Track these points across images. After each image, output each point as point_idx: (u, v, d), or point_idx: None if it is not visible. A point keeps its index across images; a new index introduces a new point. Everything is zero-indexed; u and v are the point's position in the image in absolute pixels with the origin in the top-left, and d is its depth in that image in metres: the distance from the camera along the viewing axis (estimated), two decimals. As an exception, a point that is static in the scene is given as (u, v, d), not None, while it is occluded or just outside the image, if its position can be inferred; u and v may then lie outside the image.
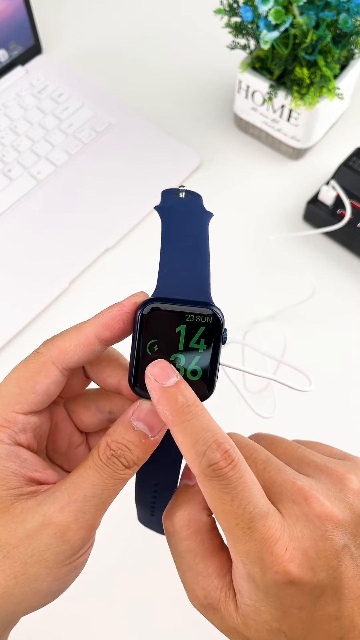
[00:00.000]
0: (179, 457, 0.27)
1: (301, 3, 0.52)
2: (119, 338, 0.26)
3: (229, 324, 0.57)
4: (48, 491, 0.25)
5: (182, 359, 0.25)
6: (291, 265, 0.59)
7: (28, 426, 0.26)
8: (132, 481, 0.28)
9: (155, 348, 0.25)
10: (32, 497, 0.25)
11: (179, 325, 0.24)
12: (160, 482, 0.28)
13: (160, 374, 0.24)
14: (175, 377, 0.24)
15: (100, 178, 0.65)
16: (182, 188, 0.28)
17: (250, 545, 0.22)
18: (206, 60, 0.74)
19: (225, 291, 0.59)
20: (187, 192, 0.28)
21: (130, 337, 0.26)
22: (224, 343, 0.25)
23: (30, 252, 0.60)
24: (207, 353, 0.25)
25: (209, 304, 0.25)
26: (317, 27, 0.54)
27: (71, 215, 0.62)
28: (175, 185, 0.64)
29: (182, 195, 0.28)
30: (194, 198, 0.28)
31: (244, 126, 0.68)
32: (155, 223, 0.63)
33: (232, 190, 0.65)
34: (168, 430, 0.25)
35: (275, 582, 0.22)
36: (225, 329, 0.25)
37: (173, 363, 0.25)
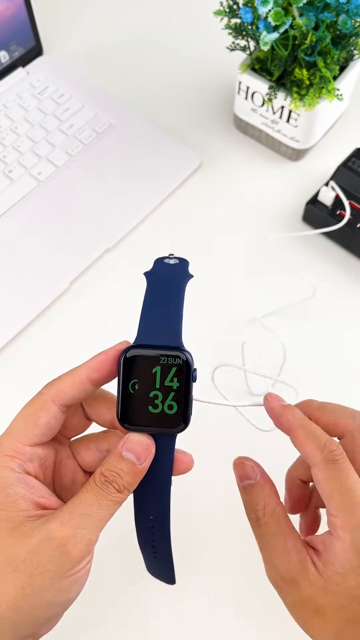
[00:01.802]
0: (166, 488, 0.30)
1: (301, 4, 0.52)
2: (107, 379, 0.31)
3: (229, 324, 0.57)
4: (53, 513, 0.28)
5: (159, 396, 0.29)
6: (290, 266, 0.59)
7: (34, 457, 0.31)
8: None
9: (136, 387, 0.29)
10: (39, 519, 0.28)
11: (154, 366, 0.29)
12: (154, 514, 0.31)
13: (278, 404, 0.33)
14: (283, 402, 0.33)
15: (100, 179, 0.65)
16: (171, 255, 0.33)
17: None
18: (206, 61, 0.75)
19: (225, 290, 0.59)
20: (176, 259, 0.33)
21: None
22: (194, 381, 0.29)
23: (30, 252, 0.60)
24: (180, 390, 0.29)
25: (179, 348, 0.29)
26: (316, 28, 0.54)
27: (71, 215, 0.62)
28: (174, 187, 0.65)
29: (171, 261, 0.33)
30: (181, 263, 0.33)
31: (243, 127, 0.68)
32: (155, 223, 0.64)
33: (232, 190, 0.65)
34: (153, 463, 0.29)
35: None
36: (194, 369, 0.29)
37: (152, 400, 0.29)
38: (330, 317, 0.58)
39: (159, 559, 0.33)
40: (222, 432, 0.51)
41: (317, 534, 0.38)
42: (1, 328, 0.56)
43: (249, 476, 0.32)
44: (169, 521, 0.31)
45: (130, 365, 0.29)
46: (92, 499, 0.28)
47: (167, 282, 0.31)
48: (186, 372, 0.29)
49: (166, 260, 0.33)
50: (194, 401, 0.30)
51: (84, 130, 0.68)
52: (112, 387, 0.32)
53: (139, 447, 0.29)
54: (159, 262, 0.33)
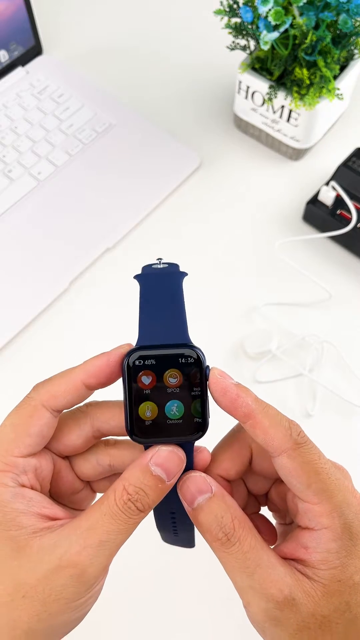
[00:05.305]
0: None
1: (301, 4, 0.52)
2: (105, 385, 0.28)
3: (229, 323, 0.57)
4: (63, 531, 0.26)
5: (172, 400, 0.27)
6: (293, 265, 0.59)
7: (28, 467, 0.28)
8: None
9: (145, 394, 0.27)
10: (47, 533, 0.26)
11: (163, 368, 0.27)
12: (177, 511, 0.29)
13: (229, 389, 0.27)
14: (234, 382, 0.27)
15: (100, 178, 0.65)
16: (159, 260, 0.31)
17: (346, 494, 0.26)
18: (206, 60, 0.75)
19: (226, 289, 0.59)
20: (164, 263, 0.31)
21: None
22: (207, 380, 0.27)
23: (30, 252, 0.60)
24: (195, 391, 0.27)
25: (187, 344, 0.27)
26: (316, 27, 0.54)
27: (71, 215, 0.62)
28: (174, 187, 0.64)
29: (160, 266, 0.30)
30: (170, 266, 0.30)
31: (243, 127, 0.68)
32: (156, 222, 0.63)
33: (232, 190, 0.65)
34: None
35: None
36: (207, 366, 0.27)
37: (163, 405, 0.27)
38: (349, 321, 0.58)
39: (180, 536, 0.31)
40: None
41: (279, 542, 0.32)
42: (1, 327, 0.56)
43: (202, 490, 0.27)
44: None
45: (135, 370, 0.27)
46: (110, 525, 0.25)
47: (162, 279, 0.29)
48: (199, 371, 0.27)
49: (155, 266, 0.30)
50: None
51: (83, 129, 0.68)
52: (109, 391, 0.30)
53: (170, 462, 0.26)
54: (148, 267, 0.31)
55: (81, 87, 0.71)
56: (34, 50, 0.74)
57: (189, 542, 0.32)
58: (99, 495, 0.32)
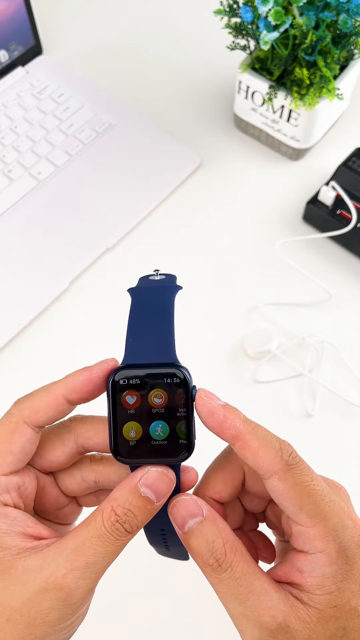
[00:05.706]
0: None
1: (301, 4, 0.52)
2: (87, 400, 0.28)
3: (229, 322, 0.57)
4: (49, 552, 0.25)
5: (157, 421, 0.26)
6: (292, 265, 0.59)
7: (11, 486, 0.27)
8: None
9: (130, 413, 0.26)
10: (32, 554, 0.25)
11: (148, 388, 0.26)
12: (166, 528, 0.29)
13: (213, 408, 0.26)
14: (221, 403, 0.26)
15: (100, 178, 0.65)
16: (157, 271, 0.30)
17: (341, 516, 0.25)
18: (206, 60, 0.75)
19: (226, 289, 0.59)
20: (161, 275, 0.30)
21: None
22: (193, 400, 0.26)
23: (30, 252, 0.60)
24: (181, 412, 0.26)
25: (174, 364, 0.26)
26: (316, 27, 0.54)
27: (71, 215, 0.62)
28: (174, 187, 0.65)
29: (157, 277, 0.30)
30: (167, 277, 0.30)
31: (243, 126, 0.68)
32: (156, 222, 0.63)
33: (232, 190, 0.65)
34: None
35: (358, 543, 0.25)
36: (194, 386, 0.26)
37: (147, 425, 0.26)
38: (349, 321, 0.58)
39: (172, 550, 0.31)
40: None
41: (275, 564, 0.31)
42: (1, 327, 0.56)
43: (193, 513, 0.26)
44: None
45: (120, 389, 0.26)
46: (98, 547, 0.25)
47: (154, 294, 0.29)
48: (185, 391, 0.26)
49: (151, 277, 0.30)
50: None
51: (83, 129, 0.68)
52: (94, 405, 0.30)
53: (160, 483, 0.26)
54: (144, 279, 0.30)
55: (81, 87, 0.71)
56: (34, 50, 0.74)
57: (183, 555, 0.32)
58: (85, 510, 0.32)
